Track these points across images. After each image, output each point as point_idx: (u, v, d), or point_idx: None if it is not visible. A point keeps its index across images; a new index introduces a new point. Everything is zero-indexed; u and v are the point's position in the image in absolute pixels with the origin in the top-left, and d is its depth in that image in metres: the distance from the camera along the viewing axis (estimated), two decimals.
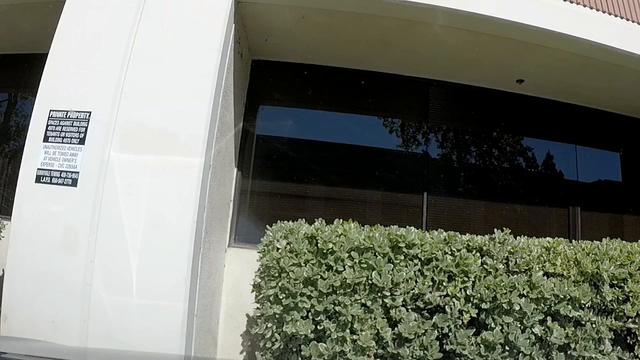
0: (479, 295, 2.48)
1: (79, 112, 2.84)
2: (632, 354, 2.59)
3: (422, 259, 2.55)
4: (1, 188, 4.45)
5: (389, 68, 4.37)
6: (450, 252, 2.59)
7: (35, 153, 2.81)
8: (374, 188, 4.41)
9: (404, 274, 2.49)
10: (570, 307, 2.54)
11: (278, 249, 2.59)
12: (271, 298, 2.54)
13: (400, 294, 2.47)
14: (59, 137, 2.82)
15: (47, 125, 2.84)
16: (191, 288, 2.69)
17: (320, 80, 4.44)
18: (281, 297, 2.48)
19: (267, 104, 4.41)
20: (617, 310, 2.59)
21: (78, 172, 2.76)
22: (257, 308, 2.67)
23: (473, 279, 2.52)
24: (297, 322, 2.44)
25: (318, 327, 2.47)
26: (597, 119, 4.81)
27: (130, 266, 2.63)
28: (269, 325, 2.54)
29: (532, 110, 4.70)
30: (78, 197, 2.73)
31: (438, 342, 2.45)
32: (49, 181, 2.77)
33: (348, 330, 2.44)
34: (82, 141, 2.80)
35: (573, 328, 2.54)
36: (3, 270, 2.74)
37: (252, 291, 2.81)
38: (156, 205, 2.72)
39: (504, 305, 2.45)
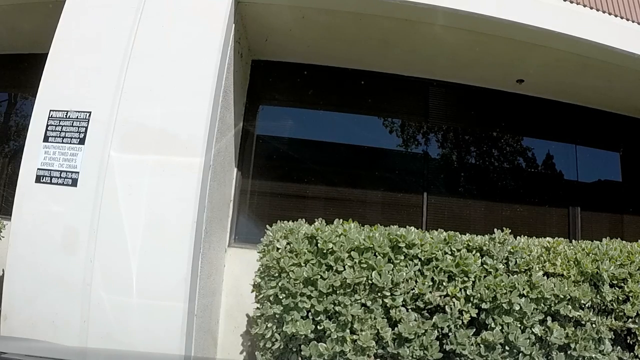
0: (479, 295, 2.48)
1: (79, 112, 2.84)
2: (632, 354, 2.59)
3: (422, 259, 2.55)
4: (1, 188, 4.45)
5: (389, 68, 4.37)
6: (450, 252, 2.59)
7: (35, 153, 2.81)
8: (374, 188, 4.41)
9: (404, 274, 2.49)
10: (570, 307, 2.53)
11: (278, 249, 2.59)
12: (271, 298, 2.54)
13: (400, 294, 2.47)
14: (59, 137, 2.82)
15: (47, 125, 2.84)
16: (191, 288, 2.69)
17: (320, 80, 4.44)
18: (281, 297, 2.48)
19: (267, 104, 4.41)
20: (617, 310, 2.59)
21: (78, 172, 2.76)
22: (257, 308, 2.67)
23: (473, 279, 2.52)
24: (297, 322, 2.44)
25: (318, 327, 2.47)
26: (597, 119, 4.81)
27: (130, 266, 2.63)
28: (269, 325, 2.54)
29: (532, 110, 4.70)
30: (78, 197, 2.73)
31: (438, 342, 2.45)
32: (49, 181, 2.77)
33: (348, 330, 2.44)
34: (82, 141, 2.80)
35: (573, 328, 2.54)
36: (3, 270, 2.74)
37: (252, 291, 2.81)
38: (156, 205, 2.72)
39: (504, 305, 2.45)
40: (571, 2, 3.55)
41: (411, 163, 4.58)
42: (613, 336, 2.59)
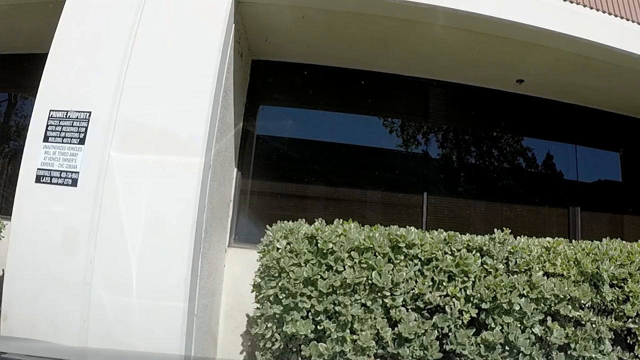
0: (479, 295, 2.48)
1: (79, 112, 2.84)
2: (632, 354, 2.59)
3: (422, 259, 2.55)
4: (1, 188, 4.45)
5: (389, 68, 4.37)
6: (450, 252, 2.59)
7: (35, 153, 2.81)
8: (374, 188, 4.41)
9: (404, 274, 2.49)
10: (570, 307, 2.53)
11: (278, 249, 2.59)
12: (271, 298, 2.54)
13: (400, 294, 2.47)
14: (59, 137, 2.82)
15: (47, 125, 2.84)
16: (191, 288, 2.69)
17: (320, 80, 4.44)
18: (281, 297, 2.48)
19: (267, 104, 4.41)
20: (617, 310, 2.59)
21: (78, 172, 2.76)
22: (257, 308, 2.67)
23: (473, 279, 2.52)
24: (297, 322, 2.44)
25: (318, 327, 2.47)
26: (597, 119, 4.81)
27: (130, 266, 2.63)
28: (269, 325, 2.55)
29: (532, 110, 4.70)
30: (78, 197, 2.73)
31: (438, 342, 2.45)
32: (49, 181, 2.77)
33: (348, 330, 2.44)
34: (82, 141, 2.80)
35: (573, 328, 2.54)
36: (3, 270, 2.74)
37: (252, 291, 2.81)
38: (156, 205, 2.72)
39: (504, 305, 2.45)
40: (571, 2, 3.55)
41: (411, 163, 4.58)
42: (613, 336, 2.59)
